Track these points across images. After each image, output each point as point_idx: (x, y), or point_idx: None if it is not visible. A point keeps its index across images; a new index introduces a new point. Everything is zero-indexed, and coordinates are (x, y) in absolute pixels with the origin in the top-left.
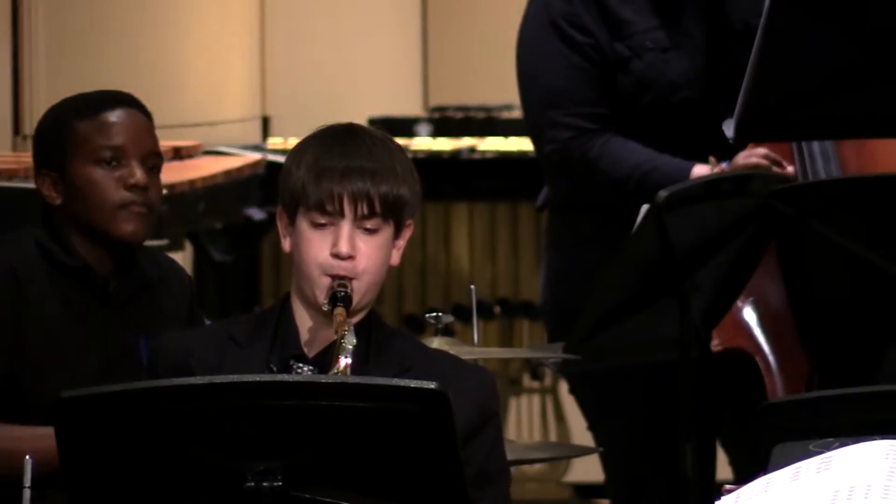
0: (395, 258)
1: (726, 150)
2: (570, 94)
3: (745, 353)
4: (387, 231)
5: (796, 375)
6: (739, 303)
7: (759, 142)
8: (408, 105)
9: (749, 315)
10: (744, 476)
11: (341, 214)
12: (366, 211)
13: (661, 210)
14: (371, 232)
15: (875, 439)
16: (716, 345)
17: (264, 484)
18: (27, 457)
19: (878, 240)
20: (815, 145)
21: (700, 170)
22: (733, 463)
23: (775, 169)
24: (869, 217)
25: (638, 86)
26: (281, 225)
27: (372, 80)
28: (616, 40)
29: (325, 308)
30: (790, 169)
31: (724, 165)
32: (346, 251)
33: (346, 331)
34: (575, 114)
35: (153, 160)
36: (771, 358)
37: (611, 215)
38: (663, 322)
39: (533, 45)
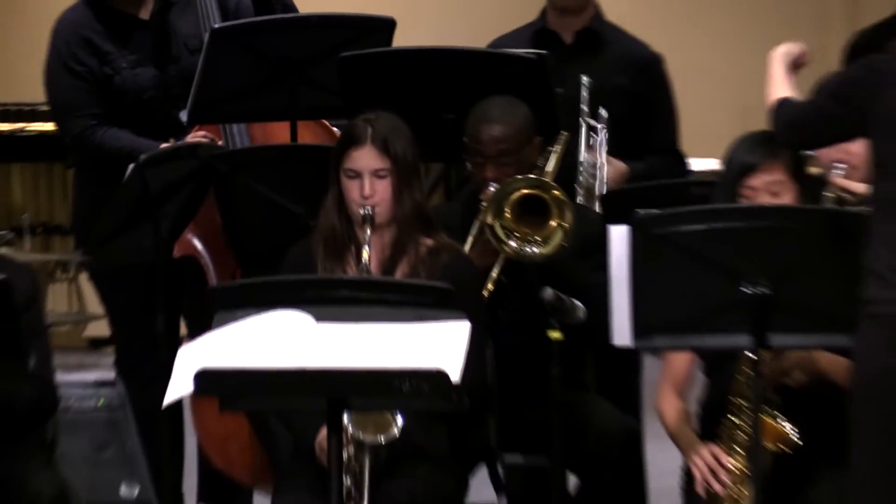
0: None
1: (180, 131)
2: (74, 104)
3: (194, 258)
4: None
5: (227, 271)
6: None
7: (203, 125)
8: None
9: (193, 231)
10: (197, 334)
11: None
12: None
13: (142, 167)
14: None
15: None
16: (175, 253)
17: None
18: None
19: (282, 186)
20: (235, 127)
21: (154, 145)
22: (188, 327)
23: (211, 142)
24: (277, 171)
25: (122, 92)
26: None
27: None
28: (104, 66)
29: None
30: (220, 142)
31: (177, 142)
32: None
33: None
34: (80, 115)
35: None
36: (209, 260)
37: (115, 172)
38: (144, 237)
39: (50, 75)
